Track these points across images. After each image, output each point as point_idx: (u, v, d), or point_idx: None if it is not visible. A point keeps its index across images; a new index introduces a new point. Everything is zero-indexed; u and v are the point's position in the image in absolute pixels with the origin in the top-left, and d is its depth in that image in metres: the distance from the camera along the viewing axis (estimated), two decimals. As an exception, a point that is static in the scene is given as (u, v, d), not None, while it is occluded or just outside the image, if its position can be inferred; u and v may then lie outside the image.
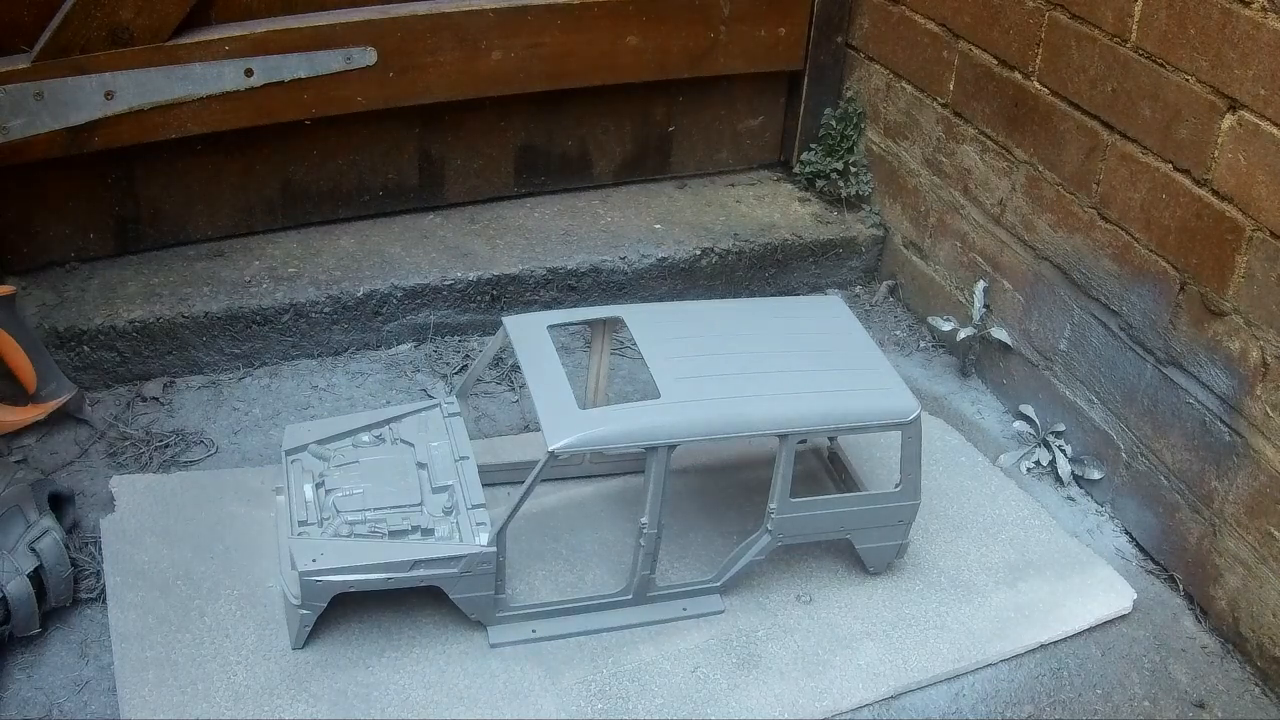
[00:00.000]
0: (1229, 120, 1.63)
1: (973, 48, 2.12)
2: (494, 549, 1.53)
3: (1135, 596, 1.76)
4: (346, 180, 2.28)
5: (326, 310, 2.12)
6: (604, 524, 1.82)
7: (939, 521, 1.86)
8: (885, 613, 1.71)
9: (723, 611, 1.69)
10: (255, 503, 1.77)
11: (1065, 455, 1.99)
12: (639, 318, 1.72)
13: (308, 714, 1.48)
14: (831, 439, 1.94)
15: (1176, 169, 1.73)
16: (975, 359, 2.24)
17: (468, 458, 1.67)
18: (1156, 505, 1.84)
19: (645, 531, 1.57)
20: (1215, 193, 1.67)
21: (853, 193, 2.49)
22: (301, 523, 1.57)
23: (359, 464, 1.66)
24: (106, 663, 1.53)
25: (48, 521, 1.59)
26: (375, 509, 1.59)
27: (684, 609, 1.68)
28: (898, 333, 2.38)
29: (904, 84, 2.34)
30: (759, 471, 1.76)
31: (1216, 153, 1.66)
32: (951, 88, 2.20)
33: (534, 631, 1.62)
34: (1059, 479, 1.99)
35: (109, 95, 1.94)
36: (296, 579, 1.50)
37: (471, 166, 2.37)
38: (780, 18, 2.40)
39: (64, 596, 1.59)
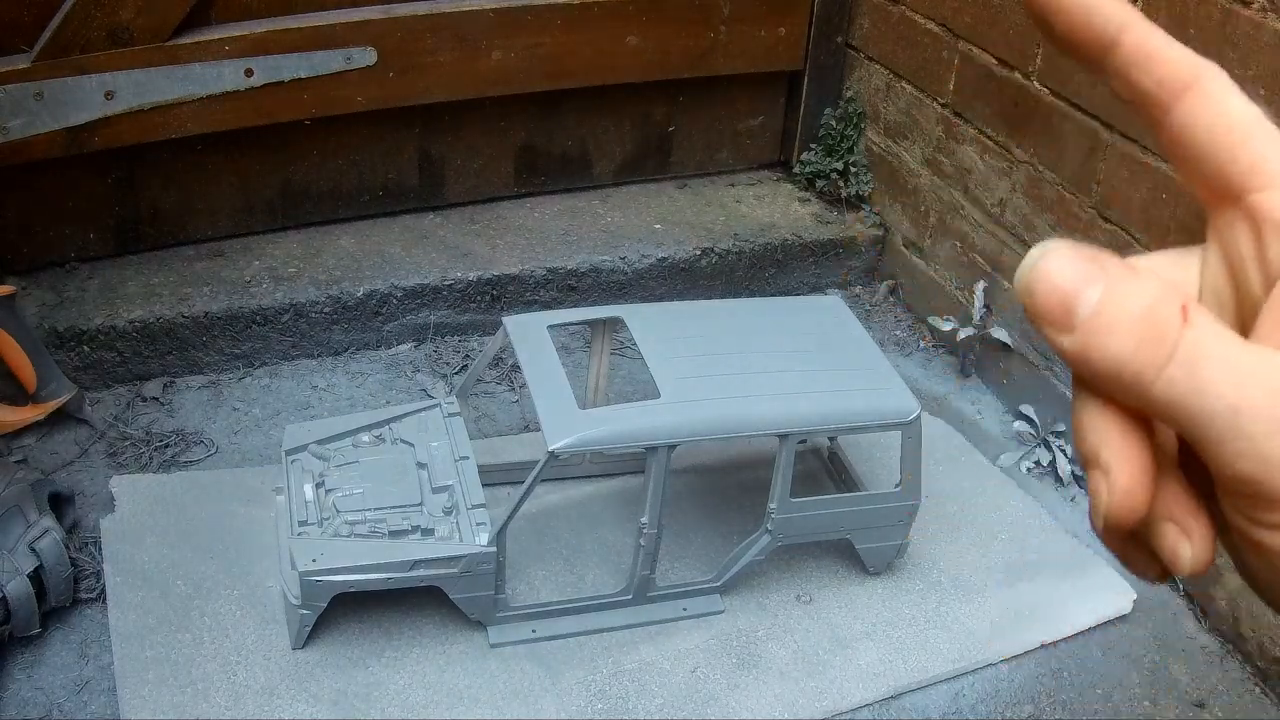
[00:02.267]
0: (1229, 120, 1.63)
1: (973, 48, 2.12)
2: (494, 549, 1.53)
3: (1135, 597, 1.76)
4: (346, 180, 2.28)
5: (326, 310, 2.12)
6: (604, 524, 1.82)
7: (939, 521, 1.86)
8: (885, 613, 1.71)
9: (723, 611, 1.69)
10: (255, 503, 1.77)
11: (1065, 455, 1.99)
12: (639, 318, 1.72)
13: (308, 714, 1.48)
14: (831, 439, 1.94)
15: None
16: (975, 359, 2.24)
17: (468, 458, 1.67)
18: (1156, 505, 1.84)
19: (645, 531, 1.57)
20: (1215, 193, 1.67)
21: (853, 193, 2.49)
22: (301, 523, 1.56)
23: (359, 464, 1.66)
24: (106, 663, 1.53)
25: (48, 521, 1.59)
26: (375, 509, 1.59)
27: (684, 609, 1.68)
28: (898, 333, 2.38)
29: (904, 84, 2.34)
30: (759, 471, 1.76)
31: (1216, 153, 1.66)
32: (951, 88, 2.20)
33: (534, 631, 1.62)
34: (1059, 479, 1.99)
35: (109, 95, 1.94)
36: (296, 579, 1.50)
37: (471, 166, 2.37)
38: (780, 18, 2.40)
39: (64, 596, 1.59)
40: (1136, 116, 0.35)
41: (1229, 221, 0.34)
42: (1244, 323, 0.34)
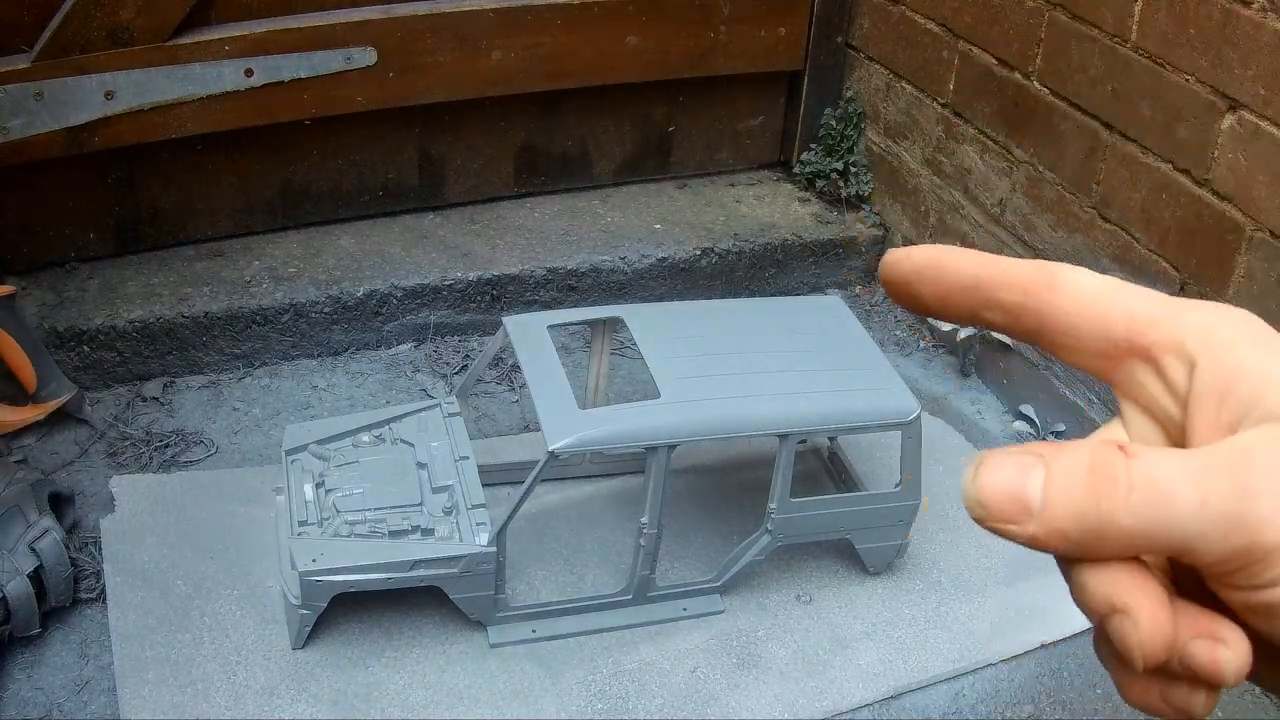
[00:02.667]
0: (1229, 120, 1.63)
1: (973, 48, 2.12)
2: (494, 549, 1.53)
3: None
4: (346, 180, 2.28)
5: (326, 310, 2.12)
6: (604, 524, 1.82)
7: (939, 521, 1.86)
8: (885, 613, 1.71)
9: (723, 611, 1.69)
10: (255, 503, 1.77)
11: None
12: (639, 318, 1.72)
13: (308, 714, 1.48)
14: (831, 439, 1.94)
15: (1176, 169, 1.74)
16: (975, 359, 2.24)
17: (468, 458, 1.67)
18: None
19: (645, 531, 1.57)
20: (1215, 193, 1.67)
21: (853, 193, 2.49)
22: (301, 523, 1.56)
23: (359, 464, 1.66)
24: (106, 663, 1.53)
25: (48, 521, 1.59)
26: (375, 509, 1.59)
27: (684, 609, 1.68)
28: (898, 333, 2.38)
29: (904, 84, 2.34)
30: (759, 471, 1.76)
31: (1216, 153, 1.66)
32: (951, 88, 2.20)
33: (534, 631, 1.62)
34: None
35: (109, 95, 1.94)
36: (296, 579, 1.50)
37: (471, 166, 2.37)
38: (780, 18, 2.40)
39: (64, 596, 1.59)
40: (1027, 341, 0.39)
41: (1129, 374, 0.37)
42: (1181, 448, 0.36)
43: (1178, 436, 0.36)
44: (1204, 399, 0.35)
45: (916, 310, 0.40)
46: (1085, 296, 0.37)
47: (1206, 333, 0.35)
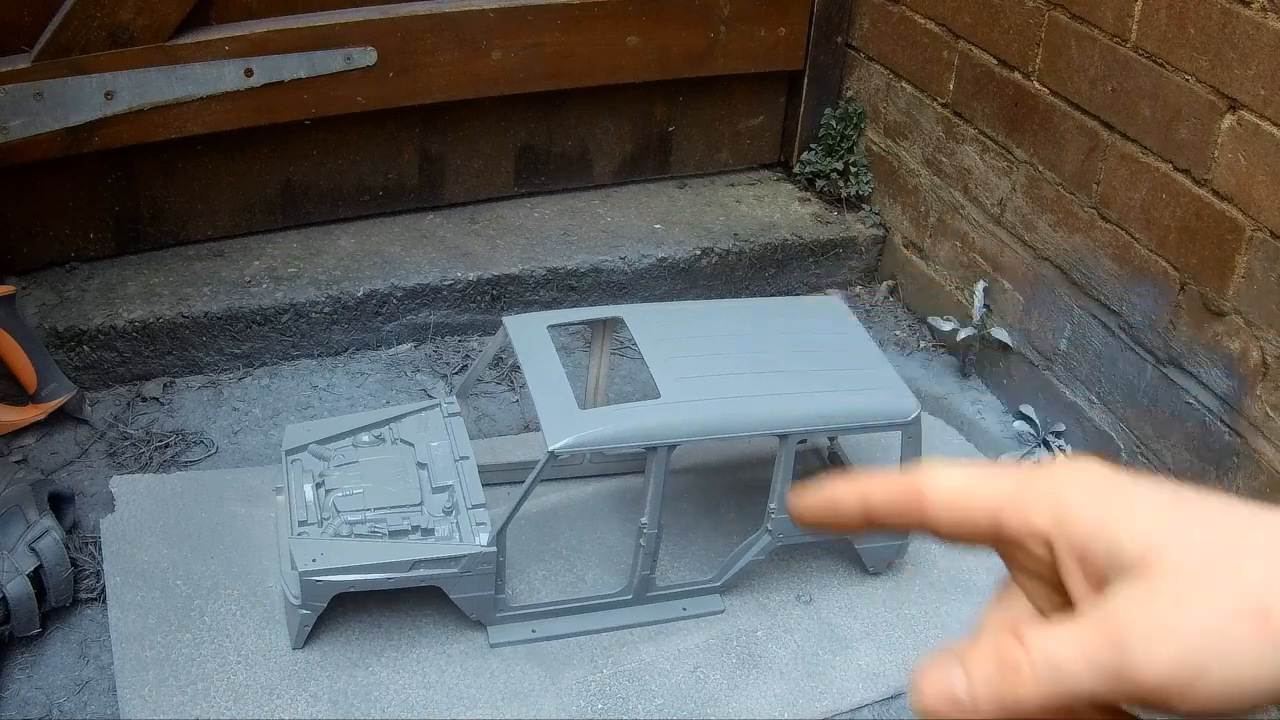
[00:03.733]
0: (1229, 120, 1.63)
1: (973, 48, 2.12)
2: (494, 549, 1.53)
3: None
4: (346, 180, 2.28)
5: (326, 310, 2.12)
6: (604, 524, 1.82)
7: (939, 521, 1.86)
8: (885, 613, 1.71)
9: (723, 611, 1.69)
10: (255, 503, 1.77)
11: (1066, 455, 1.99)
12: (639, 318, 1.72)
13: (308, 714, 1.48)
14: (831, 439, 1.94)
15: (1176, 169, 1.74)
16: (975, 359, 2.24)
17: (468, 458, 1.67)
18: (1156, 505, 1.84)
19: (645, 531, 1.57)
20: (1215, 193, 1.67)
21: (853, 193, 2.49)
22: (301, 523, 1.56)
23: (359, 464, 1.66)
24: (106, 663, 1.53)
25: (48, 521, 1.59)
26: (375, 509, 1.59)
27: (684, 609, 1.68)
28: (898, 333, 2.38)
29: (904, 84, 2.34)
30: (759, 471, 1.76)
31: (1216, 153, 1.66)
32: (951, 88, 2.20)
33: (534, 631, 1.62)
34: (1059, 479, 1.99)
35: (109, 95, 1.94)
36: (296, 579, 1.50)
37: (471, 166, 2.37)
38: (780, 18, 2.40)
39: (64, 596, 1.59)
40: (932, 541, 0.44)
41: (1007, 552, 0.44)
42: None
43: (1064, 591, 0.42)
44: (1068, 571, 0.41)
45: (822, 532, 0.47)
46: (947, 502, 0.43)
47: (1053, 510, 0.41)
